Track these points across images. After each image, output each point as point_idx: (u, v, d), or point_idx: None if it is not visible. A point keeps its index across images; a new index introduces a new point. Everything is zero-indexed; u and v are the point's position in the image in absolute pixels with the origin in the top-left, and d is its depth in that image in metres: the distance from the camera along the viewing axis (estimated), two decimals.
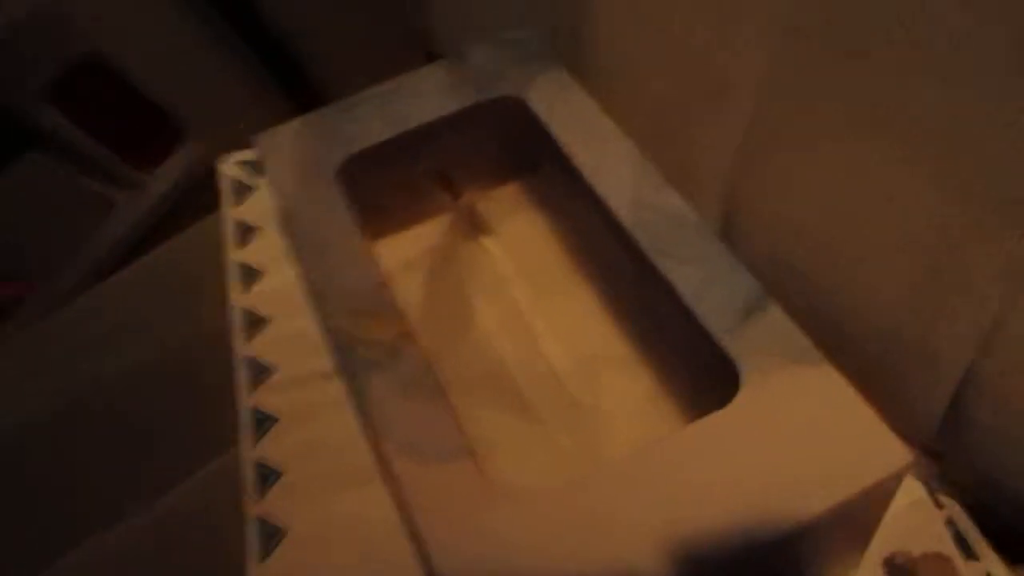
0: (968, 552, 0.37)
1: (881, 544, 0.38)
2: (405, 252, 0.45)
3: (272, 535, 0.44)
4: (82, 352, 0.59)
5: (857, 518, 0.32)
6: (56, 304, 0.69)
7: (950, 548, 0.37)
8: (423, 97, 0.45)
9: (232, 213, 0.57)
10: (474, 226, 0.47)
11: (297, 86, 0.72)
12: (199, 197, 0.73)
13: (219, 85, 0.70)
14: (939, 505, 0.39)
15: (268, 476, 0.46)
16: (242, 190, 0.58)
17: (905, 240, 0.34)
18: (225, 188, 0.58)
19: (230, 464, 0.48)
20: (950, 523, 0.39)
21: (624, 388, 0.41)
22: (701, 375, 0.35)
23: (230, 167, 0.59)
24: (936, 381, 0.35)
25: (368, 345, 0.35)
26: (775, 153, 0.39)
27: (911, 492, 0.40)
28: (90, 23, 0.59)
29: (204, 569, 0.45)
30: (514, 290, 0.45)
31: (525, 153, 0.47)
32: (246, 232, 0.56)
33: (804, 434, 0.30)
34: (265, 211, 0.57)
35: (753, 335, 0.33)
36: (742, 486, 0.29)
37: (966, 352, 0.33)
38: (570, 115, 0.42)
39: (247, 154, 0.60)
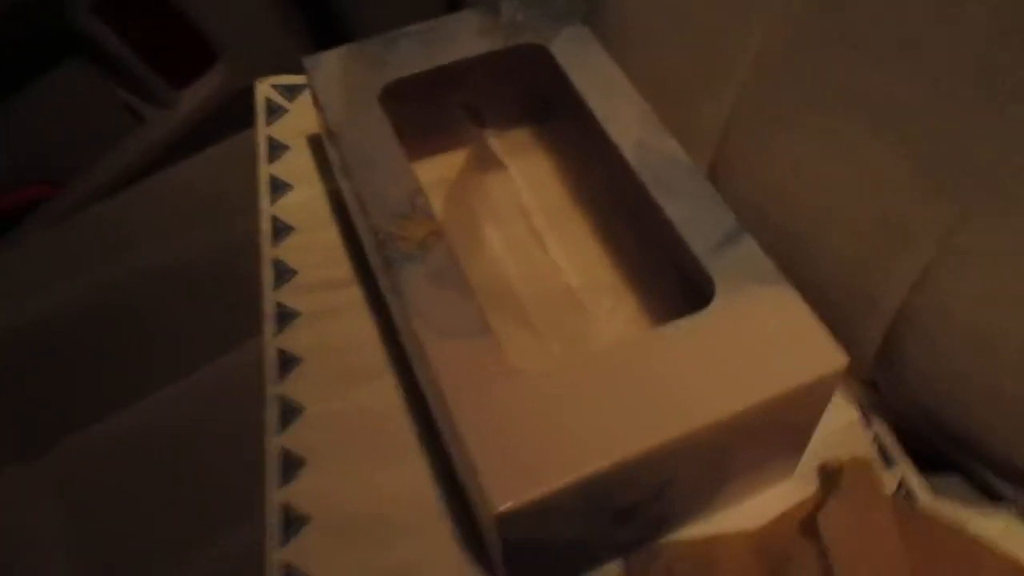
0: (888, 461, 0.45)
1: (816, 457, 0.45)
2: (432, 174, 0.51)
3: (290, 411, 0.50)
4: (103, 253, 0.63)
5: (795, 416, 0.39)
6: (76, 209, 0.73)
7: (874, 458, 0.44)
8: (457, 39, 0.50)
9: (265, 130, 0.62)
10: (495, 158, 0.53)
11: (322, 23, 0.77)
12: (224, 119, 0.78)
13: (253, 12, 0.75)
14: (868, 424, 0.46)
15: (289, 363, 0.52)
16: (275, 110, 0.63)
17: (863, 198, 0.40)
18: (260, 107, 0.64)
19: (247, 356, 0.54)
20: (876, 440, 0.46)
21: (616, 305, 0.47)
22: (685, 294, 0.42)
23: (266, 88, 0.64)
24: (873, 319, 0.42)
25: (403, 240, 0.41)
26: (762, 120, 0.45)
27: (847, 415, 0.47)
28: None
29: (224, 440, 0.51)
30: (525, 216, 0.51)
31: (545, 97, 0.52)
32: (277, 148, 0.61)
33: (758, 339, 0.37)
34: (296, 131, 0.62)
35: (729, 258, 0.39)
36: (698, 377, 0.36)
37: (900, 294, 0.40)
38: (588, 66, 0.48)
39: (282, 78, 0.65)
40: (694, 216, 0.41)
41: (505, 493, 0.33)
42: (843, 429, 0.46)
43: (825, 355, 0.36)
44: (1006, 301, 0.38)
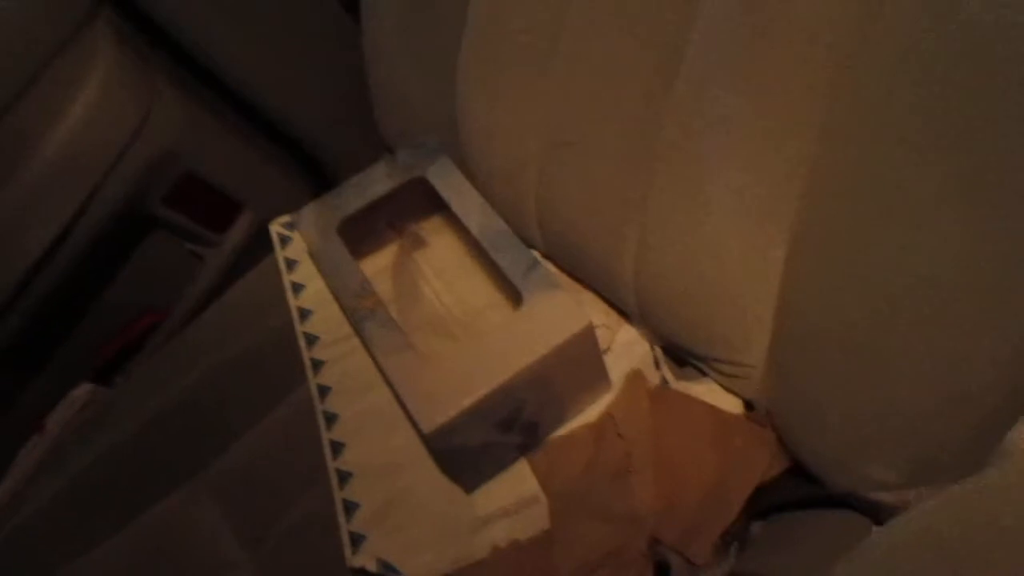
0: (657, 365, 0.78)
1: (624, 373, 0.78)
2: (373, 267, 0.86)
3: (331, 419, 0.85)
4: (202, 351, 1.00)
5: (579, 354, 0.72)
6: (180, 324, 1.11)
7: (651, 368, 0.78)
8: (375, 181, 0.86)
9: (282, 253, 0.98)
10: (412, 247, 0.88)
11: (310, 167, 1.14)
12: (254, 248, 1.14)
13: (263, 173, 1.12)
14: (652, 347, 0.79)
15: (324, 391, 0.87)
16: (285, 239, 0.99)
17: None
18: (275, 239, 0.99)
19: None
20: (653, 354, 0.79)
21: (495, 315, 0.81)
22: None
23: (277, 227, 1.00)
24: (623, 279, 0.75)
25: (362, 309, 0.76)
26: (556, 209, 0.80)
27: (641, 346, 0.80)
28: (187, 153, 1.00)
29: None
30: (438, 274, 0.86)
31: (435, 205, 0.87)
32: (292, 264, 0.97)
33: (544, 320, 0.70)
34: (301, 250, 0.98)
35: (531, 279, 0.73)
36: (516, 344, 0.70)
37: (632, 259, 0.73)
38: (450, 183, 0.83)
39: (285, 218, 1.01)
40: (511, 259, 0.75)
41: (429, 420, 0.67)
42: (639, 354, 0.80)
43: (577, 321, 0.70)
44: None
